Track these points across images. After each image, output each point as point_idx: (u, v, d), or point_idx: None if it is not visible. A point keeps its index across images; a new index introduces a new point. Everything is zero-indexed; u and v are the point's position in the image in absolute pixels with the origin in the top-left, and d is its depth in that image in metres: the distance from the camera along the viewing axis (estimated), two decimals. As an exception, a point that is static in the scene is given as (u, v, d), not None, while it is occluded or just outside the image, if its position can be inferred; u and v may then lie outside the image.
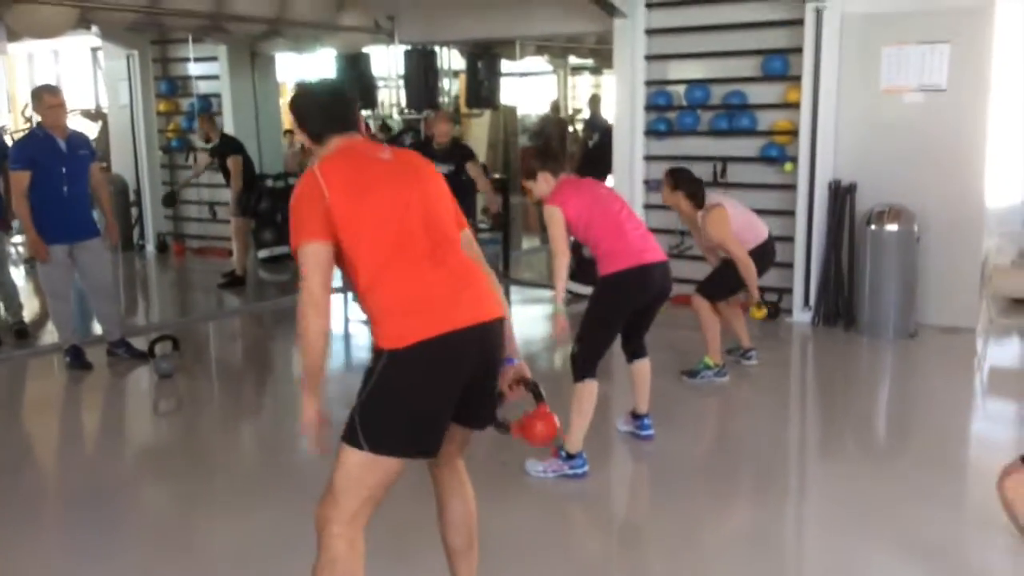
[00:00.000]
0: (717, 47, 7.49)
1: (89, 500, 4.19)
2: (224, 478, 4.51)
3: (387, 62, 10.02)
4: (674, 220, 6.14)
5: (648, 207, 7.74)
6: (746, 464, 4.66)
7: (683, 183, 5.64)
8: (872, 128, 6.91)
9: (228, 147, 8.89)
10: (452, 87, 11.44)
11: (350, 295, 7.59)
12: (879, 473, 4.45)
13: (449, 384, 2.54)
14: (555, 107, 12.66)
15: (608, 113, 10.04)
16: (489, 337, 2.61)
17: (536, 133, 12.32)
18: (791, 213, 7.17)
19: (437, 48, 10.07)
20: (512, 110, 11.94)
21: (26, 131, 8.87)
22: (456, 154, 7.34)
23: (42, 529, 3.98)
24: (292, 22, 8.51)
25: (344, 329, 7.67)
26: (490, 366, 2.66)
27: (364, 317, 2.63)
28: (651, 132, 7.85)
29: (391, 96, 10.33)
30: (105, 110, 11.74)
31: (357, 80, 9.89)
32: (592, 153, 10.54)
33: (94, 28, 9.05)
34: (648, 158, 7.86)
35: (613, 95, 8.14)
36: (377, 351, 2.52)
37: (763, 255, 5.72)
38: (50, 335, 6.78)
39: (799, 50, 7.01)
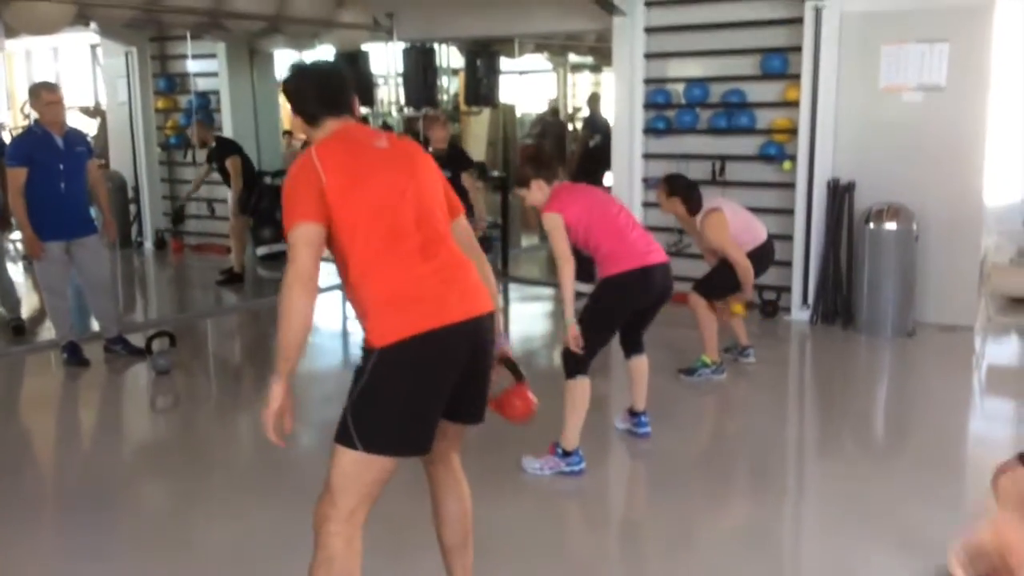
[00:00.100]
0: (716, 45, 7.48)
1: (86, 497, 4.19)
2: (222, 475, 4.51)
3: (386, 60, 9.99)
4: (672, 218, 6.13)
5: (647, 205, 7.74)
6: (743, 462, 4.66)
7: (679, 189, 5.63)
8: (871, 127, 6.91)
9: (225, 150, 8.89)
10: (451, 85, 11.43)
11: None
12: (876, 471, 4.45)
13: (440, 380, 2.51)
14: (554, 110, 12.62)
15: (607, 111, 10.03)
16: (480, 332, 2.58)
17: (537, 134, 12.29)
18: (790, 211, 7.17)
19: (436, 46, 10.05)
20: (511, 108, 11.93)
21: (24, 128, 8.85)
22: (453, 161, 7.26)
23: (39, 527, 3.97)
24: (291, 19, 8.50)
25: (342, 327, 7.66)
26: (481, 361, 2.62)
27: (354, 313, 2.60)
28: (650, 130, 7.85)
29: (390, 94, 10.30)
30: (104, 107, 11.74)
31: (356, 77, 9.85)
32: (593, 153, 10.54)
33: (92, 25, 9.02)
34: (647, 156, 7.86)
35: (612, 93, 8.13)
36: (367, 349, 2.49)
37: (762, 256, 5.70)
38: (47, 332, 6.76)
39: (798, 48, 7.00)
